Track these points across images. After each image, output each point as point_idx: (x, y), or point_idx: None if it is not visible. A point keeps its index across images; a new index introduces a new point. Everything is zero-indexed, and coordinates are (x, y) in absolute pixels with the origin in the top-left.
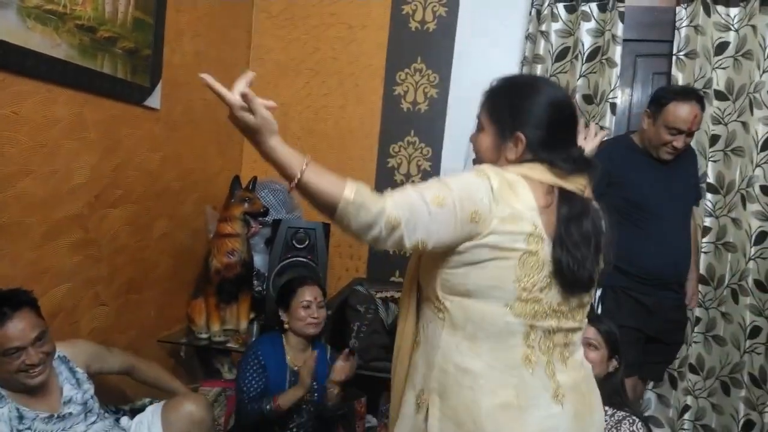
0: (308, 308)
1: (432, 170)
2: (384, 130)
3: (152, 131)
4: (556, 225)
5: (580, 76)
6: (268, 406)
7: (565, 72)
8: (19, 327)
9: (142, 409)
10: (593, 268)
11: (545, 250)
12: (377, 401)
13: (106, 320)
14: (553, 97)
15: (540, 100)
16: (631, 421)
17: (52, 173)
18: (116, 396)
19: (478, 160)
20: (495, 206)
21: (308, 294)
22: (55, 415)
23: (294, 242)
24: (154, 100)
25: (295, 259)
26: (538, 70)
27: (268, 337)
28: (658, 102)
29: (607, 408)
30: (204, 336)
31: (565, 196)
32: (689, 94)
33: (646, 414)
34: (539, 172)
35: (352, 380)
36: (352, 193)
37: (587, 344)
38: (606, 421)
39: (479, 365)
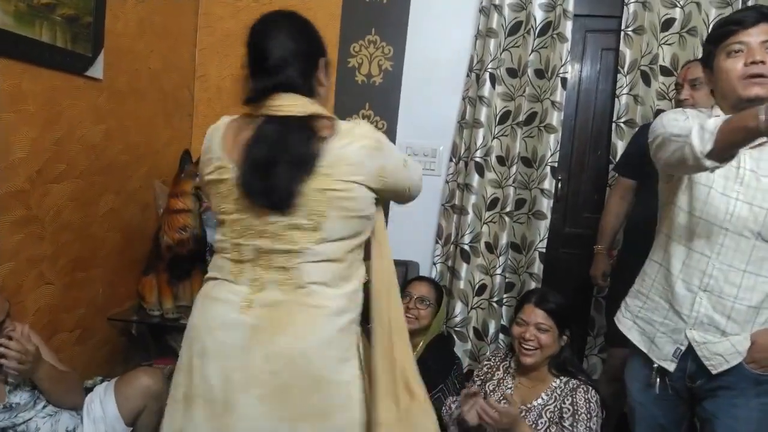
0: None
1: None
2: (338, 103)
3: (95, 103)
4: None
5: (532, 51)
6: None
7: (518, 46)
8: None
9: (92, 388)
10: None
11: None
12: None
13: (52, 299)
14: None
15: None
16: (585, 389)
17: None
18: None
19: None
20: None
21: None
22: (2, 406)
23: None
24: (97, 70)
25: None
26: (492, 44)
27: None
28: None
29: (562, 377)
30: (156, 313)
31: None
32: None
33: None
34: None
35: None
36: None
37: (538, 329)
38: (561, 388)
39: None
